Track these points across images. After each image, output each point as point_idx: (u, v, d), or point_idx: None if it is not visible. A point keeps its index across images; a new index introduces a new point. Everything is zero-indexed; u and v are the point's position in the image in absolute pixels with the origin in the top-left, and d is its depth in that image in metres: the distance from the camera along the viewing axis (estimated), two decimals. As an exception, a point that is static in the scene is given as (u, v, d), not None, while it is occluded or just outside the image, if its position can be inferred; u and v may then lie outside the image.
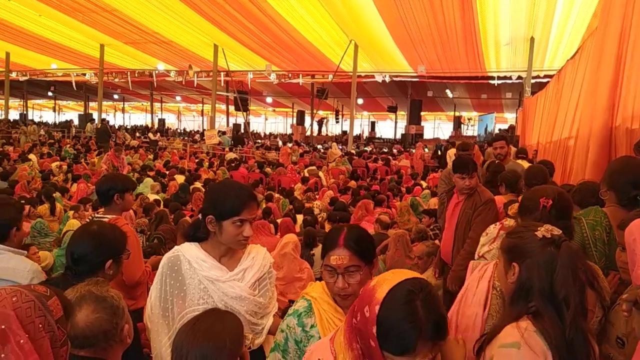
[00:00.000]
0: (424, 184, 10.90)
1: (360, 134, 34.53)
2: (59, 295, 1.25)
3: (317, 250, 5.34)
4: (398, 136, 32.75)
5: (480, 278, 1.87)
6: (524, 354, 1.33)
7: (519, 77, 17.02)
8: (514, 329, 1.38)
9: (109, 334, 1.53)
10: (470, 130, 30.44)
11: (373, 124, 36.80)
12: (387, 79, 19.46)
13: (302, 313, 1.65)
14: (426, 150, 19.16)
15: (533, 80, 15.59)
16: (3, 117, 25.69)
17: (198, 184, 9.51)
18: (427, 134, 32.66)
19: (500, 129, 25.35)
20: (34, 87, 32.27)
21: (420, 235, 5.38)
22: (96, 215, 3.15)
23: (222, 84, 24.06)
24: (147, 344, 2.05)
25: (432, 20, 12.89)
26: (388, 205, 8.15)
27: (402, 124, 32.31)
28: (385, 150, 21.76)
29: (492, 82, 18.84)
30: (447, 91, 24.49)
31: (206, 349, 1.42)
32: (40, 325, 1.15)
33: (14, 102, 36.32)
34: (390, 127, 38.26)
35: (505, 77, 17.96)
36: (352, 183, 10.57)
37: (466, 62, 16.74)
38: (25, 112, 34.67)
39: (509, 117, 30.06)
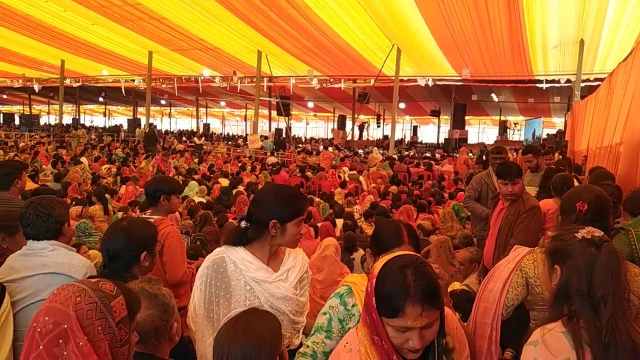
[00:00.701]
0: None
1: (402, 139, 34.22)
2: (125, 294, 1.29)
3: (357, 255, 5.32)
4: (441, 141, 32.23)
5: (510, 260, 2.05)
6: (538, 351, 1.43)
7: (568, 81, 16.45)
8: (540, 329, 1.47)
9: (159, 330, 1.59)
10: (517, 135, 29.64)
11: (415, 129, 36.38)
12: (430, 83, 19.21)
13: (343, 294, 1.78)
14: (470, 155, 18.80)
15: (583, 84, 15.04)
16: (57, 121, 26.94)
17: (240, 188, 9.67)
18: (472, 139, 32.05)
19: (548, 134, 24.55)
20: (86, 92, 33.65)
21: (466, 242, 5.27)
22: (143, 216, 3.25)
23: (265, 89, 24.39)
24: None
25: (477, 24, 12.65)
26: (430, 211, 8.03)
27: (446, 128, 31.78)
28: (428, 154, 21.47)
29: (539, 85, 18.30)
30: (493, 95, 23.94)
31: (247, 347, 1.45)
32: (100, 328, 1.19)
33: (68, 108, 38.02)
34: (432, 131, 37.69)
35: (553, 81, 17.40)
36: (393, 188, 10.47)
37: (512, 65, 16.33)
38: (77, 117, 36.24)
39: (557, 122, 29.11)
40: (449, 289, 4.10)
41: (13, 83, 28.88)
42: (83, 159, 13.31)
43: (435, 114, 27.52)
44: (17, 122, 36.16)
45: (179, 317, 1.70)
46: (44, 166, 12.26)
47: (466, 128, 27.34)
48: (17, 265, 2.23)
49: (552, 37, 13.32)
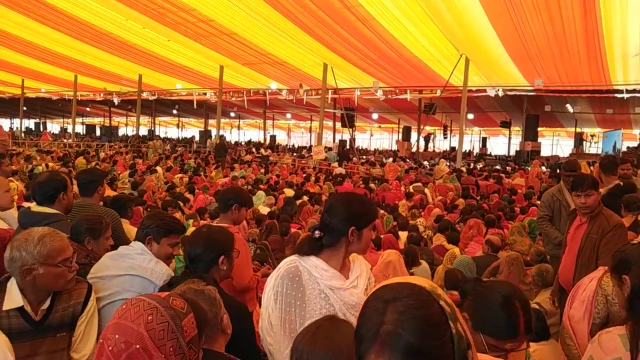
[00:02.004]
0: (540, 204, 10.20)
1: (470, 150, 33.33)
2: (195, 310, 1.29)
3: (418, 270, 5.22)
4: (512, 153, 31.08)
5: (592, 278, 2.13)
6: (593, 349, 1.58)
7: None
8: (602, 331, 1.59)
9: (211, 322, 1.64)
10: (594, 147, 28.02)
11: (484, 140, 35.32)
12: (500, 93, 18.62)
13: None
14: (543, 168, 17.99)
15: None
16: (134, 132, 28.54)
17: (305, 198, 9.80)
18: (545, 151, 30.65)
19: (628, 147, 23.01)
20: (161, 105, 35.46)
21: (539, 259, 5.03)
22: (212, 223, 3.39)
23: (330, 101, 24.65)
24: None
25: (551, 32, 12.16)
26: (499, 226, 7.74)
27: (517, 140, 30.59)
28: (498, 167, 20.75)
29: (619, 95, 17.26)
30: (568, 105, 22.82)
31: (325, 355, 1.46)
32: (171, 349, 1.17)
33: (144, 119, 40.21)
34: (503, 143, 36.44)
35: (634, 91, 16.36)
36: (460, 201, 10.20)
37: (589, 74, 15.52)
38: (153, 129, 38.28)
39: (638, 134, 27.26)
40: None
41: (95, 96, 30.98)
42: (158, 168, 14.00)
43: (506, 125, 26.58)
44: (98, 133, 38.74)
45: (226, 310, 1.77)
46: (121, 174, 13.03)
47: (539, 140, 26.15)
48: (109, 264, 2.41)
49: (632, 44, 12.54)
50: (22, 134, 32.30)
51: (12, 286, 1.97)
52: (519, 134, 28.65)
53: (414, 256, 5.20)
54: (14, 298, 1.94)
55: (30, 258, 1.92)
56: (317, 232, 2.00)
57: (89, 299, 2.17)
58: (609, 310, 2.11)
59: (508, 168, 19.84)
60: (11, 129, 35.97)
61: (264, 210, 8.40)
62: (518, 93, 19.65)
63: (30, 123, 45.33)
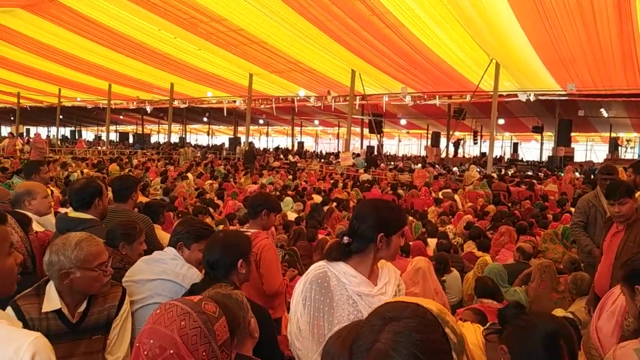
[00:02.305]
0: (574, 211, 9.94)
1: (501, 156, 32.78)
2: (227, 314, 1.31)
3: (449, 277, 5.16)
4: (544, 158, 30.44)
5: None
6: None
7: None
8: (617, 346, 1.55)
9: (239, 326, 1.65)
10: (630, 152, 27.21)
11: (515, 145, 34.70)
12: (532, 98, 18.27)
13: None
14: (577, 174, 17.55)
15: None
16: (166, 140, 29.11)
17: (333, 204, 9.81)
18: (578, 157, 29.93)
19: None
20: (192, 113, 36.09)
21: (573, 267, 4.91)
22: (242, 229, 3.44)
23: (358, 108, 24.65)
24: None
25: (584, 36, 11.90)
26: (532, 233, 7.58)
27: (549, 145, 29.97)
28: (530, 173, 20.33)
29: (657, 99, 16.71)
30: (602, 110, 22.21)
31: None
32: (204, 353, 1.20)
33: (175, 127, 40.98)
34: (535, 148, 35.71)
35: (673, 93, 15.82)
36: (491, 208, 10.03)
37: (624, 78, 15.08)
38: (184, 136, 38.96)
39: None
40: (551, 315, 3.86)
41: (128, 105, 31.74)
42: (189, 175, 14.23)
43: (538, 130, 26.06)
44: (131, 140, 39.67)
45: (253, 314, 1.78)
46: (153, 181, 13.30)
47: (572, 145, 25.57)
48: (143, 268, 2.49)
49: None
50: (59, 142, 33.34)
51: (51, 289, 2.03)
52: (551, 139, 28.06)
53: (444, 263, 5.14)
54: (52, 301, 2.01)
55: (67, 262, 1.99)
56: (345, 238, 2.00)
57: (123, 302, 2.23)
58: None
59: (540, 174, 19.42)
60: (48, 137, 37.18)
61: (292, 216, 8.44)
62: (550, 98, 19.25)
63: (66, 131, 46.75)
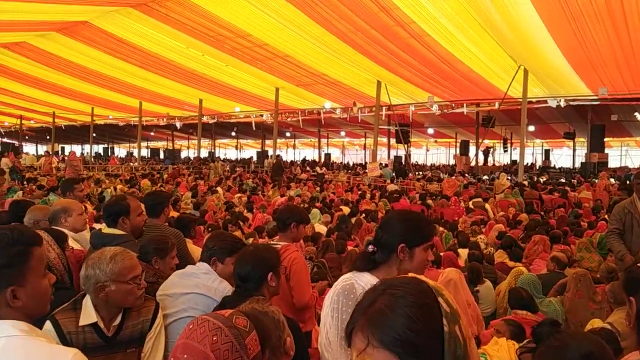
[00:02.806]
0: (610, 219, 9.65)
1: (532, 164, 32.14)
2: (258, 328, 1.34)
3: (483, 288, 5.07)
4: (577, 165, 29.71)
5: None
6: None
7: None
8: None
9: (274, 345, 1.66)
10: (668, 156, 26.31)
11: (547, 152, 33.96)
12: (563, 104, 17.90)
13: None
14: (612, 180, 17.05)
15: None
16: (196, 155, 29.62)
17: (361, 216, 9.77)
18: (613, 162, 29.10)
19: None
20: (221, 128, 36.66)
21: (610, 276, 4.76)
22: (271, 242, 3.46)
23: (384, 118, 24.59)
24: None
25: (615, 39, 11.63)
26: (566, 242, 7.39)
27: (582, 151, 29.23)
28: (563, 180, 19.86)
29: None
30: (636, 114, 21.58)
31: None
32: None
33: (204, 142, 41.64)
34: (567, 155, 34.92)
35: None
36: (524, 216, 9.82)
37: (659, 80, 14.66)
38: (213, 151, 39.56)
39: None
40: (588, 327, 3.74)
41: (159, 121, 32.49)
42: (218, 189, 14.42)
43: (570, 136, 25.51)
44: (161, 156, 40.49)
45: (290, 332, 1.77)
46: (184, 195, 13.51)
47: (606, 151, 24.86)
48: (177, 282, 2.54)
49: None
50: (92, 159, 34.29)
51: (87, 303, 2.08)
52: (584, 145, 27.38)
53: (477, 274, 5.06)
54: (88, 314, 2.06)
55: (103, 275, 2.04)
56: (370, 246, 2.01)
57: (157, 316, 2.26)
58: None
59: (574, 181, 18.94)
60: (82, 154, 38.30)
61: (320, 228, 8.44)
62: (581, 103, 18.82)
63: (99, 148, 48.06)
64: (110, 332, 2.10)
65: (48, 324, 1.99)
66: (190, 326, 1.29)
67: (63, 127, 37.10)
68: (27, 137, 46.59)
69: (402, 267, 1.97)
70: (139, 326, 2.19)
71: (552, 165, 30.44)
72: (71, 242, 3.10)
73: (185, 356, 1.21)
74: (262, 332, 1.35)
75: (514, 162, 29.11)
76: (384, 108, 21.22)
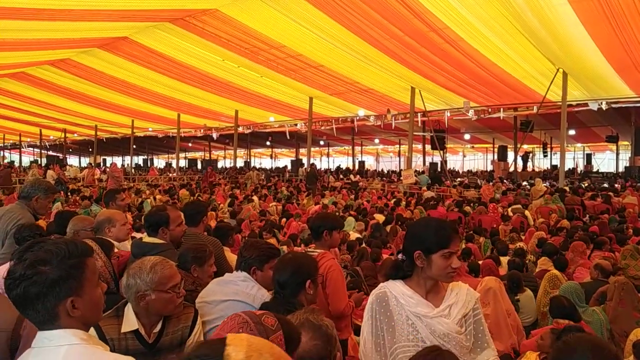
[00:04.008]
0: (658, 225, 9.27)
1: (573, 168, 31.19)
2: (285, 329, 1.37)
3: (523, 297, 4.97)
4: (621, 169, 28.65)
5: None
6: None
7: None
8: None
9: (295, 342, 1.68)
10: None
11: (589, 157, 32.90)
12: (604, 107, 17.34)
13: None
14: (659, 184, 16.36)
15: None
16: (232, 164, 30.08)
17: (396, 224, 9.71)
18: (660, 166, 27.88)
19: None
20: (256, 138, 37.12)
21: (657, 285, 4.60)
22: (307, 249, 3.50)
23: (419, 124, 24.39)
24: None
25: (659, 37, 11.23)
26: (611, 249, 7.14)
27: (626, 155, 28.21)
28: (606, 185, 19.19)
29: None
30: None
31: None
32: None
33: (240, 152, 42.27)
34: (610, 159, 33.75)
35: None
36: (565, 223, 9.54)
37: None
38: (249, 160, 40.09)
39: None
40: (633, 337, 3.61)
41: (196, 132, 33.16)
42: (254, 198, 14.61)
43: (613, 139, 24.67)
44: (199, 166, 41.30)
45: (340, 347, 1.78)
46: (221, 205, 13.75)
47: (652, 154, 23.91)
48: (216, 290, 2.61)
49: None
50: (133, 170, 35.30)
51: (129, 311, 2.16)
52: (627, 149, 26.42)
53: (517, 282, 4.97)
54: (130, 321, 2.13)
55: (143, 285, 2.11)
56: (400, 255, 2.03)
57: (196, 323, 2.32)
58: None
59: (617, 186, 18.27)
60: (123, 165, 39.47)
61: (355, 236, 8.43)
62: (624, 105, 18.18)
63: (139, 160, 49.39)
64: (151, 338, 2.16)
65: (92, 331, 2.05)
66: (226, 319, 1.40)
67: (105, 140, 38.36)
68: (70, 150, 48.33)
69: (424, 274, 1.97)
70: (178, 333, 2.24)
71: (594, 170, 29.46)
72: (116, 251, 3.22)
73: None
74: (289, 335, 1.38)
75: (554, 167, 28.36)
76: (418, 114, 21.05)
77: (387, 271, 2.10)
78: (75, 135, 38.75)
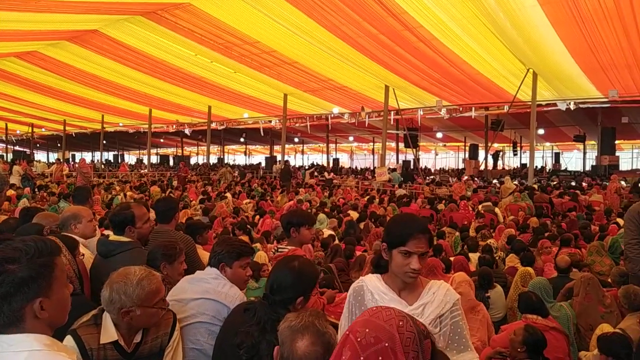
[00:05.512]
0: (622, 222, 9.54)
1: (542, 167, 31.93)
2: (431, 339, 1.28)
3: (493, 293, 5.05)
4: (587, 168, 29.47)
5: None
6: None
7: None
8: None
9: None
10: (681, 158, 26.04)
11: (557, 155, 33.76)
12: (572, 107, 17.78)
13: None
14: (623, 183, 16.88)
15: None
16: (204, 161, 29.76)
17: (370, 222, 9.75)
18: (624, 165, 28.85)
19: None
20: (229, 134, 36.80)
21: (622, 280, 4.72)
22: (279, 247, 3.47)
23: (392, 122, 24.58)
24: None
25: (624, 40, 11.55)
26: (577, 246, 7.33)
27: (592, 154, 29.02)
28: (573, 183, 19.70)
29: None
30: (648, 116, 21.40)
31: None
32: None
33: (213, 148, 41.85)
34: (577, 158, 34.67)
35: None
36: (534, 220, 9.75)
37: (670, 81, 14.53)
38: (222, 157, 39.73)
39: None
40: (598, 331, 3.71)
41: (168, 128, 32.71)
42: (227, 195, 14.47)
43: (580, 139, 25.34)
44: (171, 162, 40.74)
45: None
46: (193, 202, 13.58)
47: (617, 153, 24.68)
48: (187, 288, 2.54)
49: None
50: (102, 166, 34.58)
51: (107, 320, 2.05)
52: (594, 148, 27.19)
53: (488, 279, 5.04)
54: (109, 332, 2.03)
55: (129, 301, 2.00)
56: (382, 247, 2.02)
57: (175, 328, 2.25)
58: None
59: (584, 184, 18.79)
60: (92, 161, 38.64)
61: (328, 233, 8.44)
62: (591, 106, 18.69)
63: (109, 155, 48.47)
64: (130, 348, 2.09)
65: (70, 340, 1.98)
66: (375, 309, 1.27)
67: (74, 135, 37.48)
68: (38, 145, 47.08)
69: (392, 270, 1.95)
70: (158, 340, 2.18)
71: (562, 169, 30.22)
72: (81, 249, 3.13)
73: (367, 330, 1.17)
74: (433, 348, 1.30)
75: (523, 165, 28.96)
76: (392, 112, 21.20)
77: (372, 265, 2.09)
78: (43, 130, 37.73)
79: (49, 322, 1.40)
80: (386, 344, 1.12)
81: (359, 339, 1.15)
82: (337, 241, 7.55)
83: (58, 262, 1.44)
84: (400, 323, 1.17)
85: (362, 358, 1.12)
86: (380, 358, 1.11)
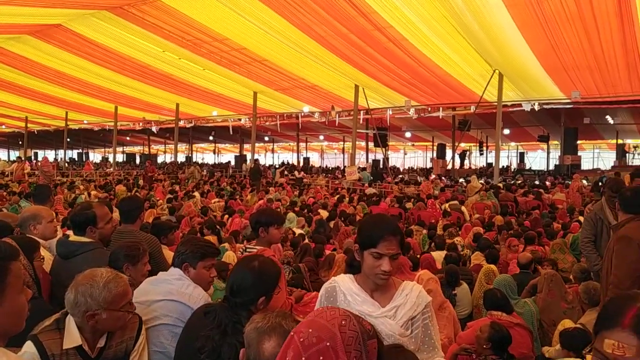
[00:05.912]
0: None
1: (507, 166, 32.66)
2: (379, 340, 1.28)
3: (460, 290, 5.12)
4: (551, 167, 30.32)
5: None
6: None
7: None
8: None
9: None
10: (638, 159, 27.07)
11: (522, 155, 34.55)
12: (537, 107, 18.24)
13: None
14: (585, 182, 17.42)
15: None
16: (172, 159, 29.29)
17: (339, 220, 9.78)
18: (585, 165, 29.79)
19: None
20: (198, 132, 36.35)
21: (583, 277, 4.86)
22: (247, 246, 3.43)
23: (362, 122, 24.72)
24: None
25: (586, 43, 11.92)
26: (541, 243, 7.52)
27: (556, 154, 29.87)
28: (537, 182, 20.21)
29: (663, 104, 16.60)
30: (608, 117, 22.13)
31: None
32: (355, 358, 1.17)
33: (181, 147, 41.25)
34: (541, 157, 35.60)
35: (679, 98, 15.72)
36: (498, 218, 9.95)
37: (629, 84, 15.04)
38: (190, 155, 39.18)
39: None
40: (560, 327, 3.80)
41: (135, 126, 32.04)
42: (195, 194, 14.27)
43: (544, 139, 26.02)
44: (137, 161, 39.95)
45: None
46: (160, 201, 13.33)
47: (579, 153, 25.47)
48: (149, 289, 2.47)
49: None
50: (66, 164, 33.62)
51: (70, 325, 1.98)
52: (557, 148, 27.97)
53: (455, 276, 5.10)
54: (73, 337, 1.96)
55: (95, 304, 1.94)
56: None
57: (140, 332, 2.20)
58: None
59: (547, 183, 19.31)
60: (56, 159, 37.53)
61: (298, 232, 8.42)
62: (555, 106, 19.22)
63: (73, 154, 47.15)
64: (94, 353, 2.02)
65: (30, 346, 1.90)
66: (320, 309, 1.28)
67: (36, 132, 36.33)
68: (-2, 143, 45.47)
69: (362, 270, 1.94)
70: (123, 345, 2.12)
71: (526, 168, 31.00)
72: (42, 251, 3.02)
73: (310, 330, 1.18)
74: (381, 347, 1.30)
75: (489, 164, 29.57)
76: (362, 112, 21.32)
77: (347, 266, 2.08)
78: (4, 127, 36.47)
79: (1, 331, 1.33)
80: (327, 343, 1.13)
81: (302, 339, 1.16)
82: (306, 240, 7.53)
83: (13, 267, 1.37)
84: (343, 322, 1.18)
85: (303, 358, 1.13)
86: (321, 357, 1.12)
